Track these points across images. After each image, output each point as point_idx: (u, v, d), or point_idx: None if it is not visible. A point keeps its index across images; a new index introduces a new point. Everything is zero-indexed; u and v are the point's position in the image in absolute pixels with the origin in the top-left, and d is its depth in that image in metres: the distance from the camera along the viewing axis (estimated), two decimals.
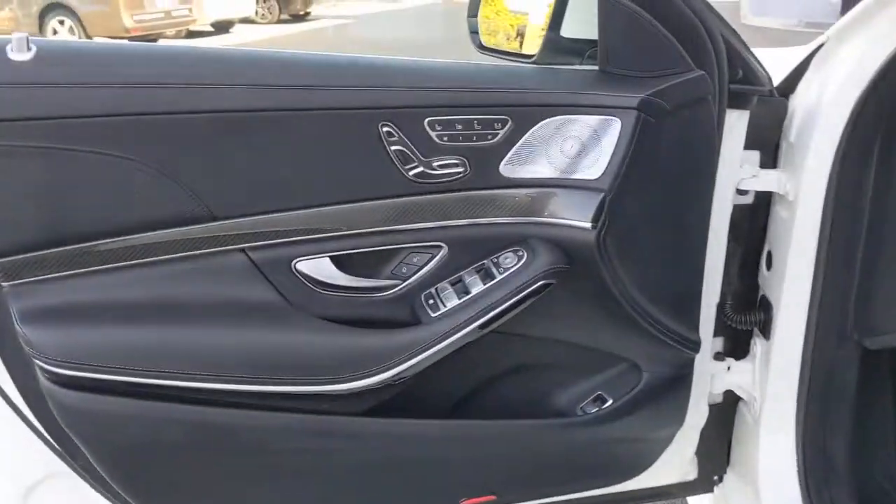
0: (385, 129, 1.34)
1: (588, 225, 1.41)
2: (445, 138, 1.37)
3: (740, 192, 1.65)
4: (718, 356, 1.80)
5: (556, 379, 1.67)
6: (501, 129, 1.38)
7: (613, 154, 1.40)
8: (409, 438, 1.50)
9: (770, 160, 1.65)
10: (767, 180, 1.59)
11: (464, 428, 1.55)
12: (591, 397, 1.66)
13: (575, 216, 1.42)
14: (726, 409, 1.82)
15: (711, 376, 1.77)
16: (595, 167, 1.41)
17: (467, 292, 1.45)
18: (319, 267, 1.42)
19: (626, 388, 1.58)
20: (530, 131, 1.39)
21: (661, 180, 1.48)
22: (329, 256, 1.42)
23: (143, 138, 1.28)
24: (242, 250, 1.38)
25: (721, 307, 1.72)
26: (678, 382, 1.65)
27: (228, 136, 1.31)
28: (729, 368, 1.75)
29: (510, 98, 1.37)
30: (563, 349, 1.62)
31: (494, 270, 1.45)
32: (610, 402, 1.63)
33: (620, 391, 1.63)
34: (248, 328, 1.39)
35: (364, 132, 1.34)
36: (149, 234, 1.33)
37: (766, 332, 1.65)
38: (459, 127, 1.37)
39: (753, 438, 1.72)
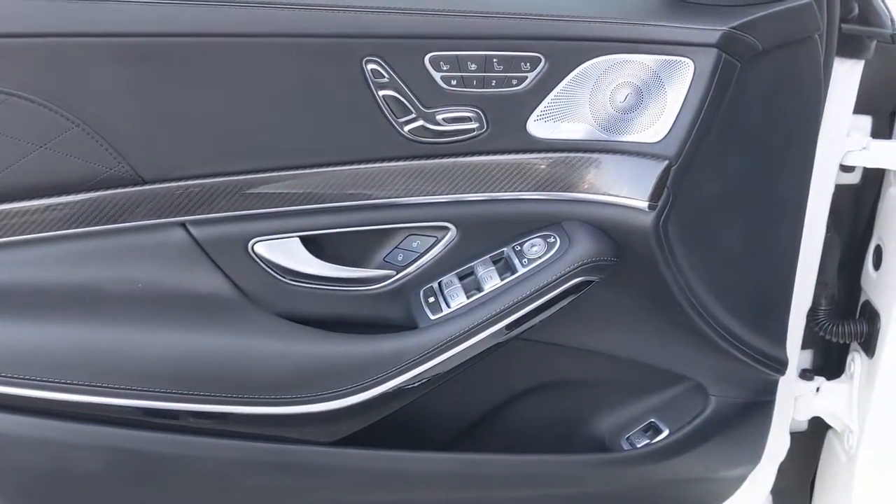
0: (370, 66, 0.98)
1: (644, 204, 1.04)
2: (454, 82, 1.01)
3: (845, 169, 1.29)
4: (806, 374, 1.44)
5: (596, 402, 1.32)
6: (531, 70, 1.02)
7: (682, 109, 1.03)
8: (399, 476, 1.15)
9: (885, 128, 1.29)
10: (880, 154, 1.27)
11: (471, 464, 1.20)
12: (642, 426, 1.31)
13: (627, 192, 1.06)
14: (812, 440, 1.54)
15: (795, 398, 1.42)
16: (656, 126, 1.04)
17: (479, 289, 1.10)
18: (286, 250, 1.08)
19: (687, 416, 1.27)
20: (570, 75, 1.03)
21: (745, 147, 1.10)
22: (299, 236, 1.08)
23: (30, 68, 0.95)
24: (181, 224, 1.04)
25: (812, 313, 1.35)
26: (757, 410, 1.28)
27: (157, 68, 0.97)
28: (818, 390, 1.44)
29: (544, 28, 1.00)
30: (605, 364, 1.26)
31: (516, 261, 1.09)
32: (666, 432, 1.28)
33: (680, 419, 1.28)
34: (188, 329, 1.06)
35: (342, 70, 0.99)
36: (48, 200, 1.00)
37: (868, 346, 1.35)
38: (473, 67, 1.00)
39: (846, 478, 1.43)
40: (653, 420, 1.30)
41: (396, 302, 1.13)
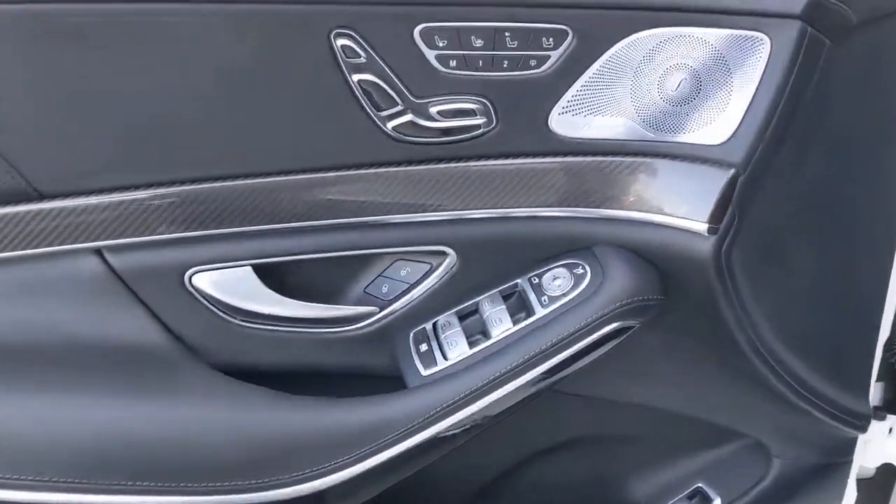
0: (341, 41, 0.73)
1: (703, 227, 0.79)
2: (453, 63, 0.76)
3: None
4: (878, 413, 1.18)
5: (632, 461, 1.07)
6: (554, 48, 0.77)
7: (753, 100, 0.78)
8: None
9: None
10: None
11: None
12: (687, 492, 1.06)
13: (679, 210, 0.81)
14: (881, 489, 1.30)
15: (865, 442, 1.15)
16: (718, 123, 0.79)
17: (486, 334, 0.85)
18: (234, 282, 0.83)
19: (744, 482, 1.06)
20: (606, 55, 0.78)
21: (832, 151, 0.85)
22: (251, 265, 0.83)
23: None
24: (95, 251, 0.79)
25: (890, 345, 1.09)
26: (830, 474, 1.05)
27: (58, 45, 0.72)
28: (891, 430, 1.17)
29: None
30: (644, 417, 1.02)
31: (533, 298, 0.85)
32: (717, 501, 1.02)
33: (735, 485, 1.07)
34: (105, 391, 0.81)
35: (302, 47, 0.75)
36: None
37: None
38: (479, 43, 0.75)
39: None
40: (700, 485, 1.06)
41: (379, 347, 0.89)
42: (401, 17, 0.74)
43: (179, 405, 0.82)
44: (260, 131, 0.79)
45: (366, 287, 0.89)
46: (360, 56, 0.75)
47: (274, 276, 0.85)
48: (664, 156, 0.82)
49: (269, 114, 0.78)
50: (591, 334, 0.82)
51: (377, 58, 0.75)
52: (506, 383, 0.82)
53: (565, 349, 0.82)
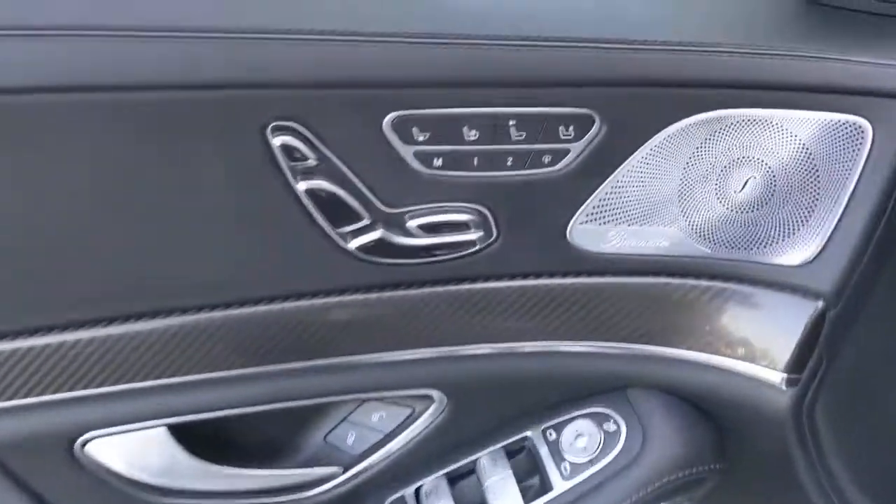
0: (280, 138, 0.51)
1: (778, 377, 0.59)
2: (438, 162, 0.55)
3: None
4: None
5: None
6: (576, 140, 0.55)
7: (849, 208, 0.57)
8: None
9: None
10: None
11: None
12: None
13: (746, 352, 0.60)
14: None
15: None
16: (800, 239, 0.58)
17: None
18: (144, 448, 0.61)
19: None
20: (645, 147, 0.56)
21: None
22: (166, 424, 0.61)
23: None
24: None
25: None
26: None
27: None
28: None
29: (601, 63, 0.53)
30: None
31: (550, 464, 0.64)
32: None
33: None
34: None
35: (231, 146, 0.52)
36: None
37: None
38: (473, 135, 0.54)
39: None
40: None
41: None
42: (363, 105, 0.52)
43: None
44: (176, 256, 0.57)
45: (326, 435, 0.68)
46: (307, 158, 0.53)
47: (197, 437, 0.63)
48: (725, 278, 0.61)
49: (188, 234, 0.56)
50: None
51: (332, 158, 0.54)
52: None
53: None
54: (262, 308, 0.59)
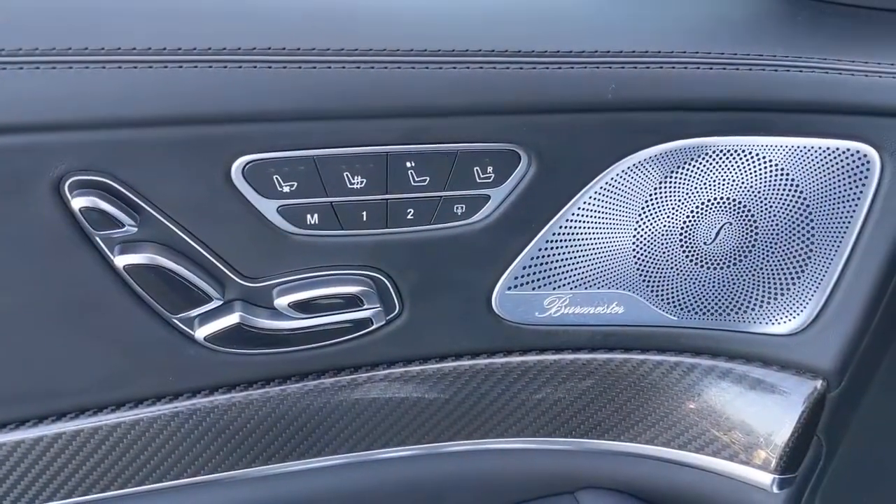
0: (80, 198, 0.35)
1: (768, 478, 0.44)
2: (314, 219, 0.39)
3: None
4: None
5: None
6: (497, 183, 0.41)
7: (852, 260, 0.43)
8: None
9: None
10: None
11: None
12: None
13: (724, 446, 0.46)
14: None
15: None
16: (789, 300, 0.44)
17: None
18: None
19: None
20: (589, 188, 0.42)
21: None
22: None
23: None
24: None
25: None
26: None
27: None
28: None
29: (524, 83, 0.38)
30: None
31: None
32: None
33: None
34: None
35: (21, 209, 0.36)
36: None
37: None
38: (359, 182, 0.39)
39: None
40: None
41: None
42: (198, 147, 0.37)
43: None
44: None
45: None
46: (121, 224, 0.38)
47: None
48: (696, 352, 0.47)
49: None
50: None
51: (162, 221, 0.39)
52: None
53: None
54: (91, 420, 0.44)
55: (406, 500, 0.51)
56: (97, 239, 0.38)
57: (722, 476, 0.48)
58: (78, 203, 0.37)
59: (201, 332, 0.42)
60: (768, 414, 0.46)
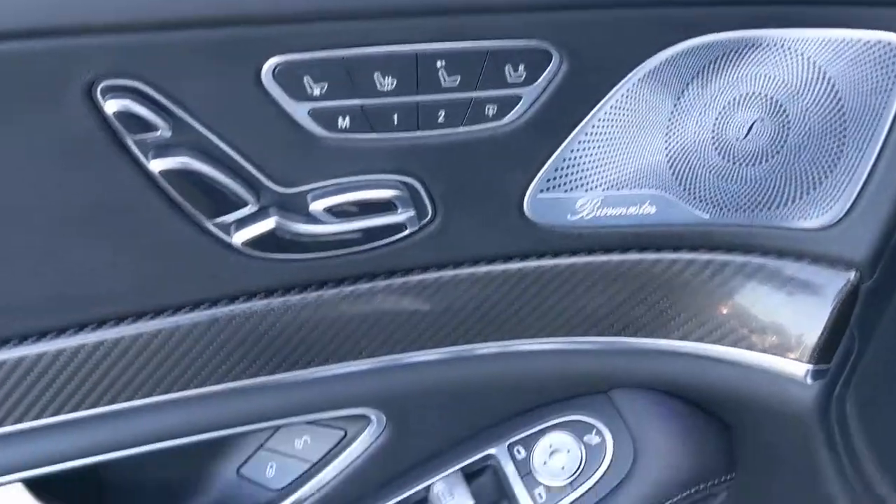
0: (113, 101, 0.36)
1: (802, 368, 0.45)
2: (345, 122, 0.39)
3: None
4: None
5: None
6: (528, 82, 0.41)
7: (885, 151, 0.42)
8: None
9: None
10: None
11: None
12: None
13: (757, 339, 0.46)
14: None
15: None
16: (822, 194, 0.44)
17: None
18: None
19: None
20: (620, 87, 0.41)
21: None
22: (22, 480, 0.47)
23: None
24: None
25: None
26: None
27: None
28: None
29: None
30: None
31: (520, 488, 0.51)
32: None
33: None
34: None
35: (53, 115, 0.37)
36: None
37: None
38: (390, 84, 0.39)
39: None
40: None
41: None
42: (229, 49, 0.37)
43: None
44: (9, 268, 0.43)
45: (239, 467, 0.55)
46: (156, 128, 0.38)
47: (64, 490, 0.50)
48: (729, 249, 0.47)
49: (17, 239, 0.42)
50: None
51: (195, 125, 0.39)
52: None
53: None
54: (131, 328, 0.45)
55: (438, 401, 0.52)
56: (131, 144, 0.39)
57: (756, 369, 0.48)
58: (111, 107, 0.37)
59: (238, 238, 0.43)
60: (802, 307, 0.46)
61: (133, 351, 0.45)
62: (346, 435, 0.53)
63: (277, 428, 0.53)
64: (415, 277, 0.47)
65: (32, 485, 0.49)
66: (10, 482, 0.48)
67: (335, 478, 0.53)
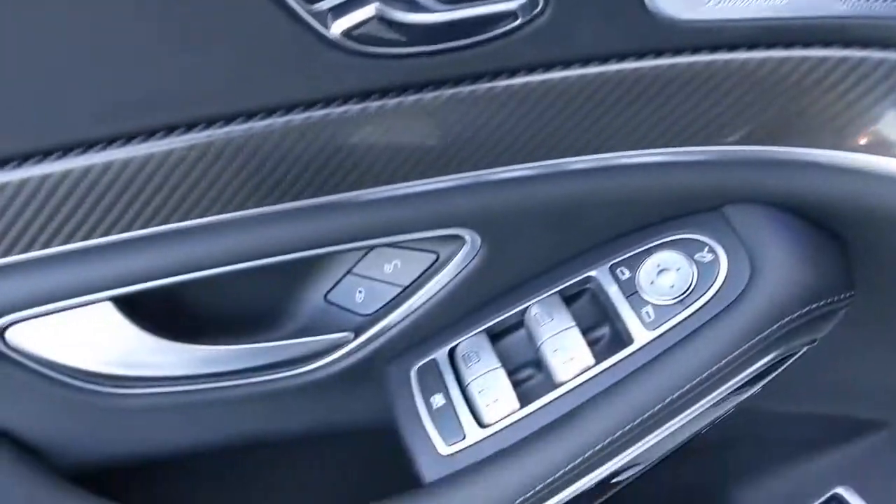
0: None
1: None
2: None
3: None
4: None
5: (746, 468, 0.75)
6: None
7: None
8: None
9: None
10: None
11: None
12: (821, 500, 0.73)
13: (892, 147, 0.42)
14: None
15: None
16: None
17: (544, 370, 0.49)
18: (85, 331, 0.45)
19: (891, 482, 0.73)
20: None
21: None
22: (110, 298, 0.45)
23: None
24: None
25: None
26: None
27: None
28: None
29: None
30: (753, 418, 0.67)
31: (626, 308, 0.48)
32: None
33: (881, 487, 0.72)
34: None
35: None
36: None
37: None
38: None
39: None
40: (838, 491, 0.73)
41: (356, 399, 0.53)
42: None
43: None
44: (98, 67, 0.39)
45: (327, 293, 0.53)
46: None
47: (155, 312, 0.48)
48: (864, 44, 0.43)
49: (98, 38, 0.38)
50: (733, 376, 0.46)
51: None
52: (587, 473, 0.47)
53: (688, 407, 0.46)
54: (220, 132, 0.42)
55: (535, 221, 0.49)
56: None
57: (885, 178, 0.45)
58: None
59: (336, 28, 0.39)
60: None
61: (224, 158, 0.42)
62: (438, 258, 0.50)
63: (367, 252, 0.51)
64: (519, 80, 0.44)
65: (123, 305, 0.47)
66: (99, 300, 0.46)
67: (426, 302, 0.51)
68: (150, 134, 0.41)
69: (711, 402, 0.47)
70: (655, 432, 0.46)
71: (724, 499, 0.76)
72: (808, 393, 0.65)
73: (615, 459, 0.47)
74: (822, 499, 0.74)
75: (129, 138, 0.41)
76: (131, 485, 0.56)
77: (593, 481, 0.47)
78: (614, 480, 0.49)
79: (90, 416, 0.49)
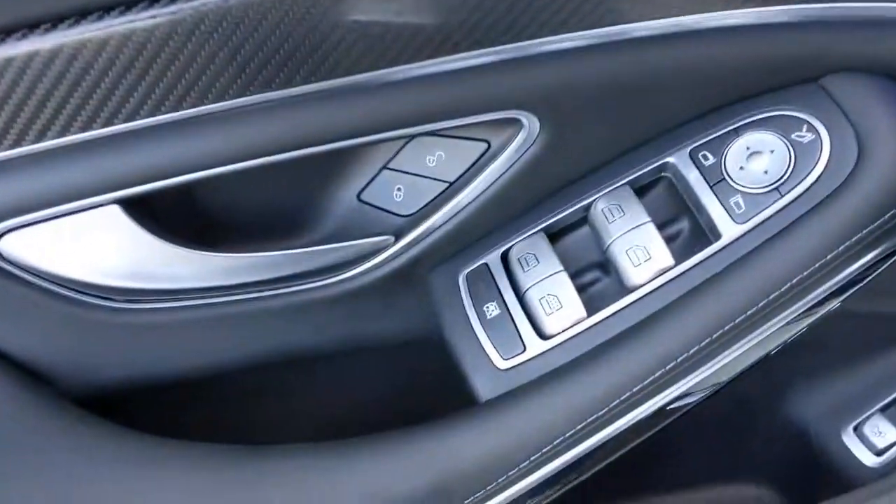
0: None
1: None
2: None
3: None
4: None
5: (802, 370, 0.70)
6: None
7: None
8: None
9: None
10: None
11: None
12: (881, 404, 0.69)
13: None
14: None
15: None
16: None
17: (614, 275, 0.44)
18: (88, 238, 0.39)
19: None
20: None
21: None
22: (117, 200, 0.39)
23: None
24: None
25: None
26: None
27: None
28: None
29: None
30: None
31: (710, 198, 0.41)
32: None
33: None
34: None
35: None
36: None
37: None
38: None
39: None
40: None
41: (400, 307, 0.47)
42: None
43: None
44: None
45: (360, 192, 0.46)
46: None
47: (168, 216, 0.42)
48: None
49: None
50: (834, 275, 0.40)
51: None
52: (668, 387, 0.41)
53: (780, 312, 0.41)
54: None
55: (598, 100, 0.42)
56: None
57: None
58: None
59: None
60: None
61: (246, 24, 0.35)
62: (489, 147, 0.44)
63: (405, 142, 0.44)
64: None
65: (132, 208, 0.40)
66: (104, 203, 0.40)
67: (475, 199, 0.45)
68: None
69: (808, 305, 0.41)
70: (741, 341, 0.41)
71: (780, 406, 0.71)
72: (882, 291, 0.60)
73: (694, 374, 0.41)
74: (885, 402, 0.70)
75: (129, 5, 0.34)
76: (146, 409, 0.51)
77: (668, 398, 0.41)
78: (675, 405, 0.43)
79: (99, 334, 0.44)
